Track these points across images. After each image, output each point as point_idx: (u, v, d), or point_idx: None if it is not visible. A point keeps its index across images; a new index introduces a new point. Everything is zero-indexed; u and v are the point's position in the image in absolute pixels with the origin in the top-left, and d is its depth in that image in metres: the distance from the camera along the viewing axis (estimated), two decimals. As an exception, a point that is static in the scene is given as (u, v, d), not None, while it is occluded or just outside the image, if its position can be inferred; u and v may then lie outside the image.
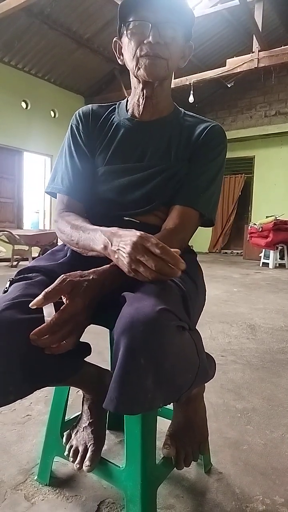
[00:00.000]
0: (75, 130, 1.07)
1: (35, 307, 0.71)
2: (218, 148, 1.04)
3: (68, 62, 8.02)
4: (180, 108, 1.11)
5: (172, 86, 6.88)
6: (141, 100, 1.03)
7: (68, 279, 0.75)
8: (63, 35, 7.26)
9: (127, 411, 0.71)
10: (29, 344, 0.73)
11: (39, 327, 0.71)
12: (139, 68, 0.96)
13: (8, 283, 0.88)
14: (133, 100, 1.05)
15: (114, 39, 1.03)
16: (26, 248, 6.37)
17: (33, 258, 6.16)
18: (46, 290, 0.72)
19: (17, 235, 6.21)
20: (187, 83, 6.95)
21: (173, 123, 1.06)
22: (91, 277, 0.78)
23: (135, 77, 1.00)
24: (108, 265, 0.83)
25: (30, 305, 0.72)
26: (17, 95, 7.92)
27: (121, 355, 0.67)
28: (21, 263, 6.56)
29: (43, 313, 0.75)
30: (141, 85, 1.00)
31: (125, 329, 0.68)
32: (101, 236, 0.83)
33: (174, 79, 7.05)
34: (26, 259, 6.45)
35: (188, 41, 1.02)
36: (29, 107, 8.19)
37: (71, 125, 1.09)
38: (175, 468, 1.03)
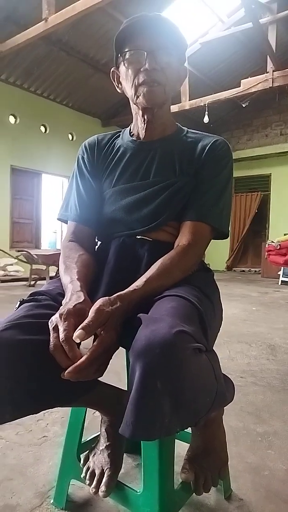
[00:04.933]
0: (81, 160, 1.12)
1: (78, 341, 0.71)
2: (223, 161, 1.04)
3: (85, 87, 8.26)
4: (184, 127, 1.13)
5: (187, 107, 7.09)
6: (142, 124, 1.05)
7: (105, 311, 0.76)
8: (80, 61, 7.50)
9: (144, 437, 0.69)
10: (31, 364, 0.74)
11: (77, 364, 0.70)
12: (138, 96, 0.99)
13: (18, 303, 0.90)
14: (136, 125, 1.09)
15: (112, 69, 1.07)
16: (44, 267, 6.45)
17: (51, 278, 6.22)
18: (86, 323, 0.72)
19: (35, 254, 6.30)
20: (202, 104, 7.05)
21: (176, 141, 1.08)
22: (118, 304, 0.79)
23: (135, 104, 1.03)
24: (129, 290, 0.84)
25: (73, 338, 0.71)
26: (36, 120, 8.18)
27: (137, 378, 0.67)
28: (38, 282, 6.63)
29: (42, 336, 0.75)
30: (141, 111, 1.03)
31: (141, 352, 0.67)
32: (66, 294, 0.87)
33: (189, 100, 7.17)
34: (44, 279, 6.52)
35: (182, 64, 1.05)
36: (48, 131, 8.42)
37: (78, 156, 1.14)
38: (194, 493, 1.00)
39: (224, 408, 1.08)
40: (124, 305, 0.80)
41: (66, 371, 0.70)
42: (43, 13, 5.04)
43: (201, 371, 0.75)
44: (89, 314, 0.75)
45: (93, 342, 0.75)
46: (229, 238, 10.26)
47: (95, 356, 0.72)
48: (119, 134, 1.15)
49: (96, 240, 1.13)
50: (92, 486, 0.97)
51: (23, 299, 0.91)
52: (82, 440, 1.10)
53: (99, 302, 0.78)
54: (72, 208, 1.09)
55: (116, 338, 0.77)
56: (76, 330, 0.71)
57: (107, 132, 1.17)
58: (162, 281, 0.89)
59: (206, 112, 6.90)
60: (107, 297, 0.80)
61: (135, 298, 0.83)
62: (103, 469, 0.98)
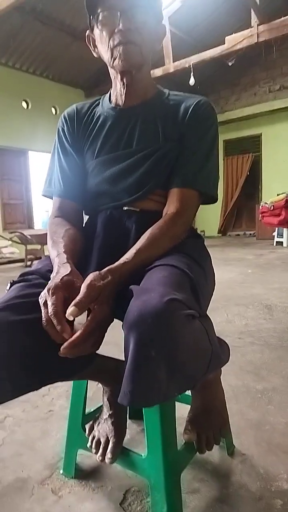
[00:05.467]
0: (61, 132, 1.09)
1: (71, 318, 0.71)
2: (208, 122, 1.01)
3: (65, 56, 7.95)
4: (165, 90, 1.09)
5: (172, 70, 6.87)
6: (122, 89, 1.02)
7: (96, 286, 0.75)
8: (57, 30, 7.18)
9: (142, 404, 0.71)
10: (26, 344, 0.75)
11: (72, 340, 0.71)
12: (114, 59, 0.94)
13: (9, 285, 0.90)
14: (115, 90, 1.05)
15: (87, 33, 1.02)
16: (39, 247, 6.42)
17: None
18: (78, 299, 0.72)
19: (29, 235, 6.26)
20: (187, 65, 6.81)
21: (157, 105, 1.04)
22: (109, 278, 0.78)
23: (112, 68, 0.99)
24: (120, 263, 0.84)
25: (66, 315, 0.71)
26: (17, 96, 7.92)
27: (131, 349, 0.68)
28: (35, 262, 6.62)
29: (35, 314, 0.76)
30: (119, 75, 0.99)
31: (134, 323, 0.68)
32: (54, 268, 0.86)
33: (173, 62, 6.92)
34: (40, 258, 6.50)
35: (160, 22, 1.00)
36: (30, 107, 8.18)
37: (58, 128, 1.10)
38: (198, 452, 1.03)
39: (223, 368, 1.11)
40: (115, 279, 0.79)
41: (62, 347, 0.71)
42: (12, -20, 4.78)
43: (195, 337, 0.76)
44: (81, 290, 0.75)
45: (87, 317, 0.75)
46: (221, 202, 10.30)
47: (89, 331, 0.73)
48: (99, 102, 1.11)
49: (84, 214, 1.12)
50: (99, 454, 1.00)
51: (13, 281, 0.91)
52: (88, 411, 1.13)
53: (90, 277, 0.77)
54: (55, 183, 1.07)
55: (110, 312, 0.78)
56: (69, 308, 0.72)
57: (86, 101, 1.13)
58: (152, 252, 0.89)
59: (192, 74, 6.68)
60: (97, 272, 0.79)
61: (126, 271, 0.83)
62: (108, 437, 1.02)
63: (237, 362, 1.84)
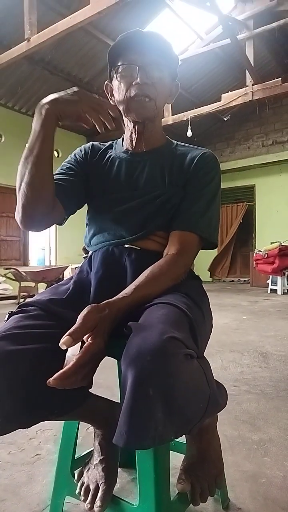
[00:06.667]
0: (74, 156, 1.15)
1: (65, 347, 0.70)
2: (211, 173, 1.07)
3: (70, 104, 8.34)
4: (173, 140, 1.16)
5: (170, 122, 7.21)
6: (133, 136, 1.09)
7: (93, 317, 0.75)
8: (63, 80, 7.60)
9: (138, 445, 0.68)
10: (22, 375, 0.74)
11: (63, 371, 0.68)
12: (129, 110, 1.02)
13: (7, 315, 0.90)
14: (127, 136, 1.12)
15: (106, 82, 1.10)
16: (33, 284, 6.39)
17: (40, 295, 6.15)
18: (73, 329, 0.71)
19: (24, 272, 6.25)
20: (185, 119, 7.17)
21: (165, 153, 1.10)
22: (107, 311, 0.78)
23: (126, 117, 1.06)
24: (118, 297, 0.84)
25: (59, 345, 0.69)
26: (21, 138, 8.13)
27: (129, 386, 0.66)
28: (27, 300, 6.55)
29: (33, 345, 0.75)
30: (132, 123, 1.07)
31: (133, 360, 0.67)
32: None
33: (172, 115, 7.28)
34: (33, 296, 6.44)
35: (174, 80, 1.09)
36: (33, 149, 8.45)
37: (73, 153, 1.17)
38: (191, 504, 0.98)
39: (219, 417, 1.08)
40: (112, 313, 0.79)
41: (52, 378, 0.68)
42: (25, 33, 5.09)
43: (193, 377, 0.74)
44: (77, 320, 0.74)
45: (80, 348, 0.74)
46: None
47: (81, 363, 0.70)
48: (112, 145, 1.18)
49: (86, 249, 1.14)
50: (87, 501, 0.95)
51: (11, 311, 0.91)
52: (76, 456, 1.08)
53: (87, 309, 0.77)
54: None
55: (104, 346, 0.76)
56: (63, 337, 0.70)
57: (102, 142, 1.19)
58: (151, 289, 0.89)
59: (189, 127, 7.02)
60: (95, 304, 0.79)
61: (124, 306, 0.83)
62: (97, 484, 0.97)
63: (232, 411, 1.79)
